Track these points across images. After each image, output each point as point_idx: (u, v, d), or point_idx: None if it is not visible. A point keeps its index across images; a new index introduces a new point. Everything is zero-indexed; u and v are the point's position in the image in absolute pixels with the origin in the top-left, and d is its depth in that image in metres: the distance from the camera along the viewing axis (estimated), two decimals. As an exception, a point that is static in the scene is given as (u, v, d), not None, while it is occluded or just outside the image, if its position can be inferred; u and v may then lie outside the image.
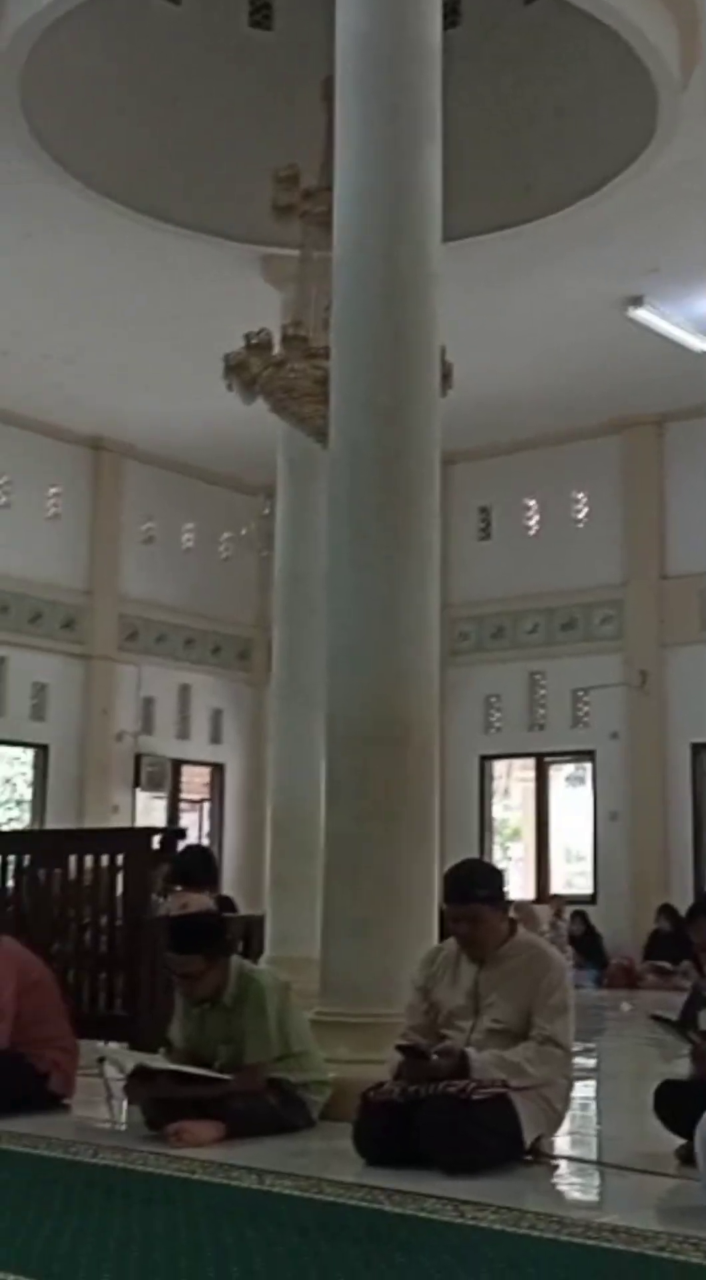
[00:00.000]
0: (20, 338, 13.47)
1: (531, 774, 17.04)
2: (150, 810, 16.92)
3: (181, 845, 7.80)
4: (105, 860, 6.87)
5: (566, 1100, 5.13)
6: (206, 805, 18.08)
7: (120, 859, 6.83)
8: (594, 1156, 5.29)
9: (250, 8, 10.17)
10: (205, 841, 16.86)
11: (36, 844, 7.67)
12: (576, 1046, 5.28)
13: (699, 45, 9.17)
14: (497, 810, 17.27)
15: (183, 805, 17.68)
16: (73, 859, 7.07)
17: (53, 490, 16.36)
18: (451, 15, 9.03)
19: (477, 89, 9.68)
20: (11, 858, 7.36)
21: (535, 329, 13.27)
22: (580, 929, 15.24)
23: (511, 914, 5.35)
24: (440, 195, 6.74)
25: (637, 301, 12.71)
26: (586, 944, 15.07)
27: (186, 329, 12.92)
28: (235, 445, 15.37)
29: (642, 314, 12.85)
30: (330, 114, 7.34)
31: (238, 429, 13.04)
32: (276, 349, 9.06)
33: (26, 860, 7.27)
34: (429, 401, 6.57)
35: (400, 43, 6.72)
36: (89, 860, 7.00)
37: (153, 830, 8.21)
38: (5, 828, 15.76)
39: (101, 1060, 6.25)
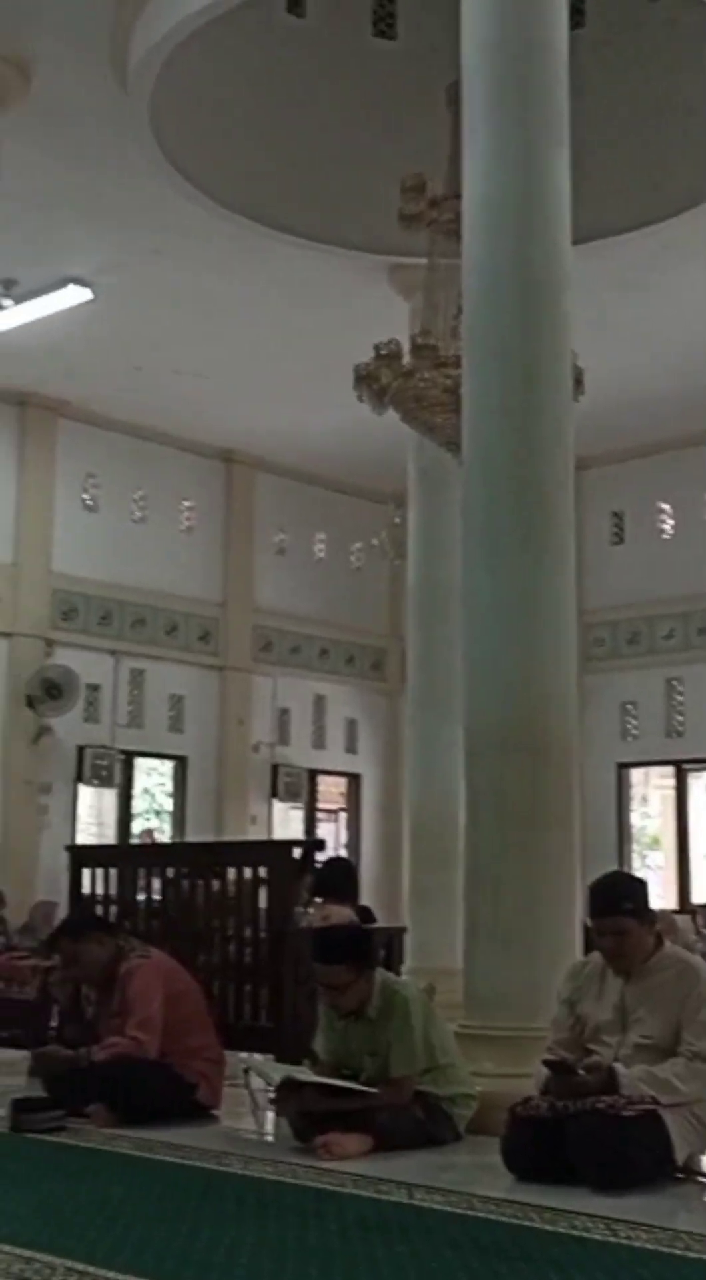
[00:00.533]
0: (153, 353, 13.65)
1: (670, 782, 16.79)
2: (287, 820, 17.01)
3: (321, 857, 7.80)
4: (248, 872, 6.92)
5: (718, 1116, 5.03)
6: (343, 815, 18.13)
7: (263, 871, 6.87)
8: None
9: (373, 17, 10.18)
10: (342, 852, 16.92)
11: (181, 856, 7.73)
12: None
13: None
14: (636, 818, 17.05)
15: (319, 815, 17.74)
16: (216, 871, 7.12)
17: (186, 504, 16.55)
18: (577, 16, 8.94)
19: (605, 89, 9.57)
20: (156, 869, 7.44)
21: (666, 329, 13.07)
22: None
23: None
24: (569, 200, 6.70)
25: (772, 297, 12.48)
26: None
27: (315, 339, 12.98)
28: (365, 454, 15.39)
29: None
30: (456, 121, 7.33)
31: (367, 438, 13.06)
32: (406, 359, 9.08)
33: (170, 873, 7.32)
34: (562, 407, 6.54)
35: (526, 48, 6.69)
36: (232, 872, 7.05)
37: (295, 843, 8.22)
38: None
39: (246, 1071, 6.27)
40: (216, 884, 7.01)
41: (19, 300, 11.94)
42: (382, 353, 9.03)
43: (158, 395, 14.70)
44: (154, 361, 13.83)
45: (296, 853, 7.16)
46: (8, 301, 11.71)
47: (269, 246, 11.05)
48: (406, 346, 9.07)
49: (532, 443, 6.39)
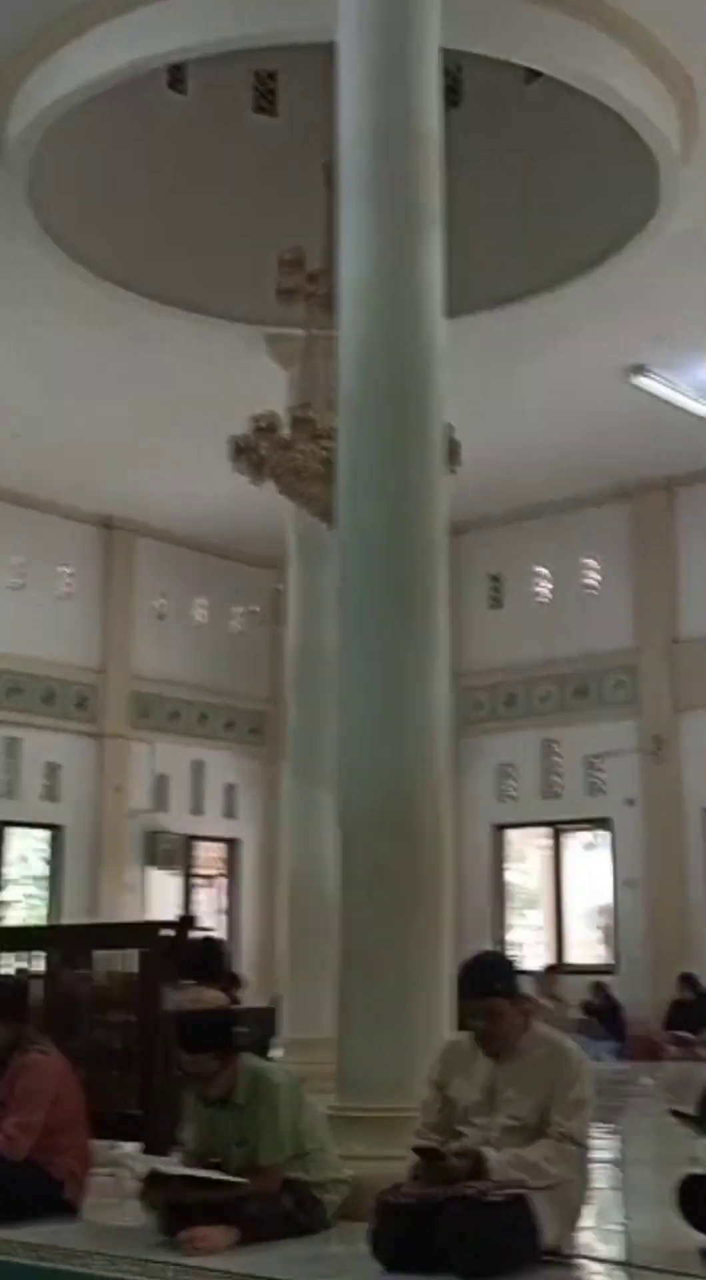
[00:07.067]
0: (32, 422, 13.55)
1: (547, 842, 16.91)
2: (164, 887, 16.81)
3: (194, 933, 7.67)
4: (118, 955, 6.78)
5: (584, 1196, 5.01)
6: (222, 881, 17.96)
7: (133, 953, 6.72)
8: (615, 1255, 5.16)
9: (254, 94, 10.28)
10: (222, 918, 16.80)
11: (53, 940, 7.52)
12: (597, 1128, 5.14)
13: (697, 120, 9.25)
14: (514, 877, 17.12)
15: (197, 881, 17.58)
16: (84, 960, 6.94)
17: (64, 570, 16.40)
18: (452, 95, 9.11)
19: (480, 167, 9.73)
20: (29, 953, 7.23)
21: (542, 399, 13.31)
22: (601, 1000, 15.04)
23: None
24: (441, 278, 6.73)
25: (641, 370, 12.76)
26: (606, 1015, 14.87)
27: (195, 409, 12.98)
28: (246, 520, 15.39)
29: (646, 381, 12.91)
30: (331, 197, 7.38)
31: (248, 504, 12.99)
32: (284, 430, 9.07)
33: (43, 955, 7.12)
34: (434, 482, 6.53)
35: (400, 131, 6.71)
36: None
37: (166, 924, 8.02)
38: (22, 907, 15.74)
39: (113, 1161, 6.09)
40: (84, 971, 6.83)
41: None
42: (260, 425, 9.01)
43: (37, 463, 14.59)
44: (33, 430, 13.73)
45: (167, 932, 7.04)
46: None
47: (150, 318, 11.05)
48: (284, 418, 9.08)
49: (405, 517, 6.37)
